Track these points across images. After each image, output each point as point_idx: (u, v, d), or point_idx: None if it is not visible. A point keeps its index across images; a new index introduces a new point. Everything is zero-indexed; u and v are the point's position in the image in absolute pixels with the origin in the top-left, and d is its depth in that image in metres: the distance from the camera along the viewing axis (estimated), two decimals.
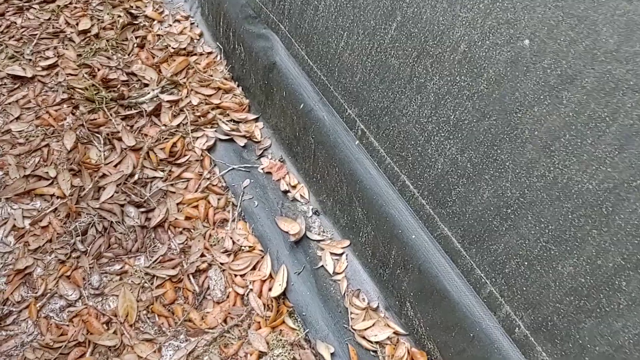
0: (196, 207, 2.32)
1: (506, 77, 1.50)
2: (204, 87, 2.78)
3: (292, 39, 2.36)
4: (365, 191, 2.00)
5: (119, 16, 3.02)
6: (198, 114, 2.65)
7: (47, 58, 2.77)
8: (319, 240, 2.20)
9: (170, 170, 2.44)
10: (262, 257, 2.13)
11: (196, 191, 2.37)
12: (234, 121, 2.66)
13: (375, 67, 1.93)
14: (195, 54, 2.96)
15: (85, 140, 2.46)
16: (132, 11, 3.02)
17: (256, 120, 2.68)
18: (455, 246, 1.71)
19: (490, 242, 1.60)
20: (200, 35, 3.06)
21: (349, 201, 2.12)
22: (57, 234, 2.16)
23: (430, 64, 1.72)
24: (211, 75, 2.84)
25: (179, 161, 2.46)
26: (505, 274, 1.57)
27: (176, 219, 2.27)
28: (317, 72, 2.25)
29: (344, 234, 2.20)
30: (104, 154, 2.43)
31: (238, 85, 2.83)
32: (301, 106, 2.30)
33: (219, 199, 2.35)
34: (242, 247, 2.17)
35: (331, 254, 2.14)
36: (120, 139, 2.48)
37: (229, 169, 2.44)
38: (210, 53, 2.98)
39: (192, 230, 2.25)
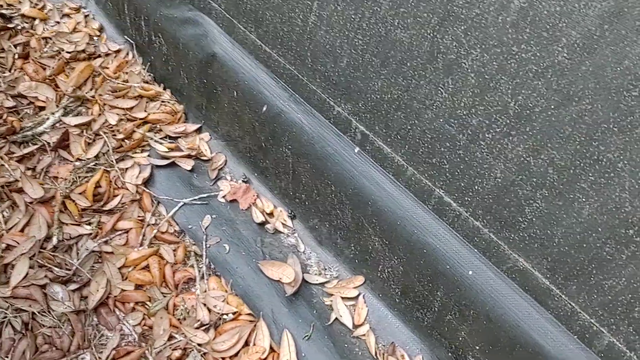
0: (146, 268, 1.70)
1: (604, 39, 1.00)
2: (120, 97, 2.11)
3: (233, 20, 1.74)
4: (382, 214, 1.47)
5: None
6: (120, 136, 1.99)
7: None
8: (322, 283, 1.66)
9: (99, 222, 1.80)
10: (255, 325, 1.56)
11: (141, 245, 1.75)
12: (170, 138, 2.03)
13: (371, 46, 1.38)
14: (100, 56, 2.26)
15: None
16: (3, 12, 2.26)
17: (199, 131, 2.06)
18: (541, 283, 1.22)
19: (601, 275, 1.12)
20: (101, 29, 2.36)
21: (356, 227, 1.58)
22: None
23: (464, 33, 1.19)
24: (126, 81, 2.17)
25: (108, 206, 1.82)
26: (635, 319, 1.10)
27: (123, 290, 1.65)
28: (280, 60, 1.66)
29: (354, 267, 1.67)
30: (3, 216, 1.74)
31: (165, 88, 2.18)
32: (264, 109, 1.71)
33: (174, 251, 1.74)
34: (224, 316, 1.59)
35: (343, 298, 1.61)
36: (21, 191, 1.80)
37: (179, 205, 1.82)
38: (118, 51, 2.29)
39: (148, 303, 1.64)
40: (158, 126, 2.05)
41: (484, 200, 1.28)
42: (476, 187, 1.29)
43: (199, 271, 1.69)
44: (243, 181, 1.90)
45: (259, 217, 1.80)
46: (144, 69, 2.22)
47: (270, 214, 1.82)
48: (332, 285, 1.65)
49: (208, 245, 1.73)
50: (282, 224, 1.80)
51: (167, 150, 1.97)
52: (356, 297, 1.62)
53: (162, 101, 2.13)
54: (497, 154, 1.23)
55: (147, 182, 1.89)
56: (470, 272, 1.32)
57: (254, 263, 1.69)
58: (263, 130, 1.76)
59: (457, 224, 1.35)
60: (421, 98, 1.33)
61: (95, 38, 2.33)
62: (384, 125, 1.44)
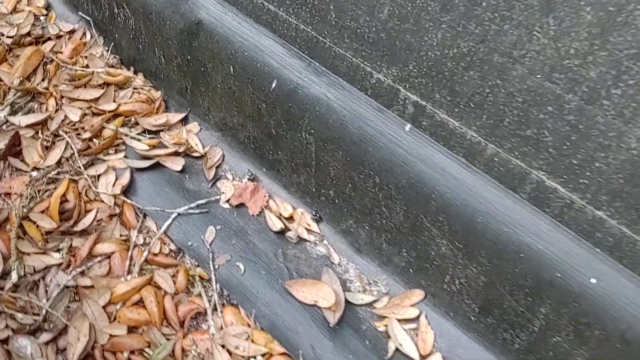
0: (140, 303, 1.31)
1: None
2: (81, 87, 1.69)
3: None
4: (452, 209, 1.11)
5: None
6: (87, 135, 1.58)
7: None
8: (370, 303, 1.29)
9: (71, 248, 1.40)
10: None
11: (129, 273, 1.35)
12: (150, 132, 1.62)
13: None
14: (49, 39, 1.84)
15: None
16: None
17: (184, 121, 1.66)
18: None
19: None
20: (47, 7, 1.93)
21: (411, 228, 1.22)
22: None
23: None
24: (86, 67, 1.75)
25: (80, 226, 1.42)
26: None
27: (112, 336, 1.26)
28: (290, 20, 1.27)
29: (407, 279, 1.31)
30: None
31: (136, 72, 1.77)
32: (273, 85, 1.32)
33: (174, 277, 1.36)
34: (251, 359, 1.21)
35: (401, 321, 1.25)
36: None
37: (172, 216, 1.43)
38: (72, 32, 1.87)
39: (148, 350, 1.25)
40: (133, 119, 1.64)
41: (609, 182, 0.93)
42: (597, 164, 0.94)
43: (209, 301, 1.31)
44: (249, 179, 1.51)
45: (276, 224, 1.42)
46: (107, 50, 1.80)
47: (290, 218, 1.44)
48: (383, 305, 1.29)
49: (216, 266, 1.35)
50: (306, 229, 1.42)
51: (147, 148, 1.57)
52: (417, 318, 1.26)
53: (135, 88, 1.72)
54: (631, 115, 0.88)
55: (128, 191, 1.49)
56: (592, 280, 0.97)
57: (279, 284, 1.32)
58: (273, 113, 1.37)
59: (567, 217, 1.00)
60: (506, 49, 0.97)
61: (41, 18, 1.89)
62: (447, 91, 1.08)
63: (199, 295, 1.33)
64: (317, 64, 1.28)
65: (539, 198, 1.02)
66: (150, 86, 1.73)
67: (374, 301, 1.30)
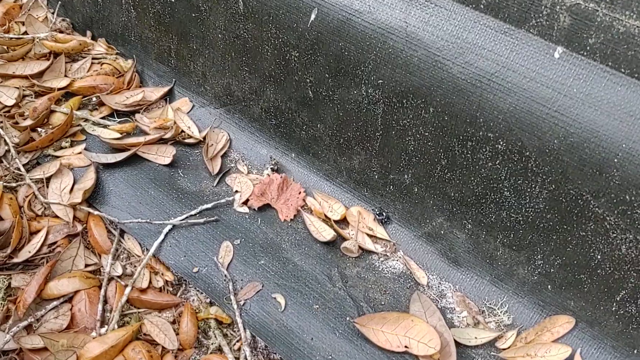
0: None
1: None
2: (18, 61, 1.20)
3: None
4: None
5: None
6: (27, 122, 1.08)
7: None
8: (490, 342, 0.82)
9: (9, 289, 0.89)
10: None
11: (103, 325, 0.85)
12: (121, 114, 1.13)
13: None
14: None
15: None
16: None
17: (168, 96, 1.17)
18: None
19: None
20: None
21: (561, 217, 0.76)
22: None
23: None
24: (24, 34, 1.25)
25: (21, 256, 0.92)
26: None
27: None
28: None
29: (543, 299, 0.84)
30: None
31: (95, 37, 1.27)
32: (312, 15, 0.86)
33: (175, 324, 0.86)
34: None
35: None
36: None
37: (165, 230, 0.93)
38: None
39: None
40: (95, 98, 1.15)
41: None
42: None
43: (237, 359, 0.82)
44: (272, 169, 1.03)
45: (322, 231, 0.94)
46: (52, 12, 1.30)
47: (342, 221, 0.97)
48: (511, 343, 0.83)
49: (241, 302, 0.86)
50: (370, 235, 0.95)
51: (118, 135, 1.08)
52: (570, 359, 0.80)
53: (95, 58, 1.23)
54: None
55: (94, 198, 0.99)
56: None
57: (344, 323, 0.84)
58: (310, 64, 0.90)
59: None
60: None
61: None
62: None
63: (219, 349, 0.84)
64: None
65: None
66: (117, 54, 1.24)
67: (496, 338, 0.83)
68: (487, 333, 0.84)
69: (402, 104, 0.83)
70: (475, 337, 0.83)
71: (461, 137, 0.80)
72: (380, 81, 0.84)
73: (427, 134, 0.84)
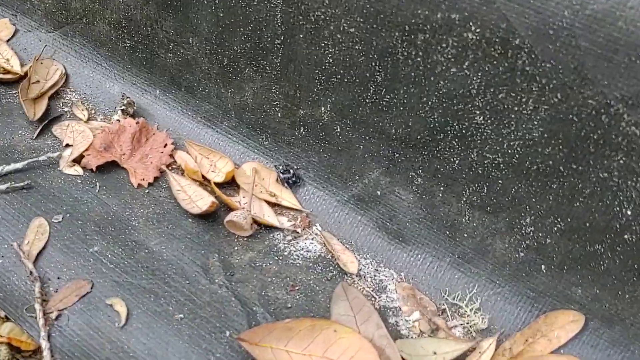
0: None
1: None
2: None
3: None
4: None
5: None
6: None
7: None
8: (460, 357, 0.51)
9: None
10: None
11: None
12: None
13: None
14: None
15: None
16: None
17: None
18: None
19: None
20: None
21: (569, 152, 0.46)
22: None
23: None
24: None
25: None
26: None
27: None
28: None
29: (533, 285, 0.54)
30: None
31: None
32: None
33: None
34: None
35: None
36: None
37: None
38: None
39: None
40: None
41: None
42: None
43: None
44: (124, 112, 0.69)
45: (198, 201, 0.61)
46: None
47: (230, 183, 0.64)
48: (488, 358, 0.52)
49: (53, 314, 0.52)
50: (272, 203, 0.63)
51: None
52: None
53: None
54: None
55: None
56: None
57: (225, 341, 0.51)
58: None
59: None
60: None
61: None
62: None
63: None
64: None
65: None
66: None
67: (466, 352, 0.53)
68: (452, 345, 0.53)
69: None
70: (434, 352, 0.53)
71: (406, 29, 0.49)
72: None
73: (353, 30, 0.52)
